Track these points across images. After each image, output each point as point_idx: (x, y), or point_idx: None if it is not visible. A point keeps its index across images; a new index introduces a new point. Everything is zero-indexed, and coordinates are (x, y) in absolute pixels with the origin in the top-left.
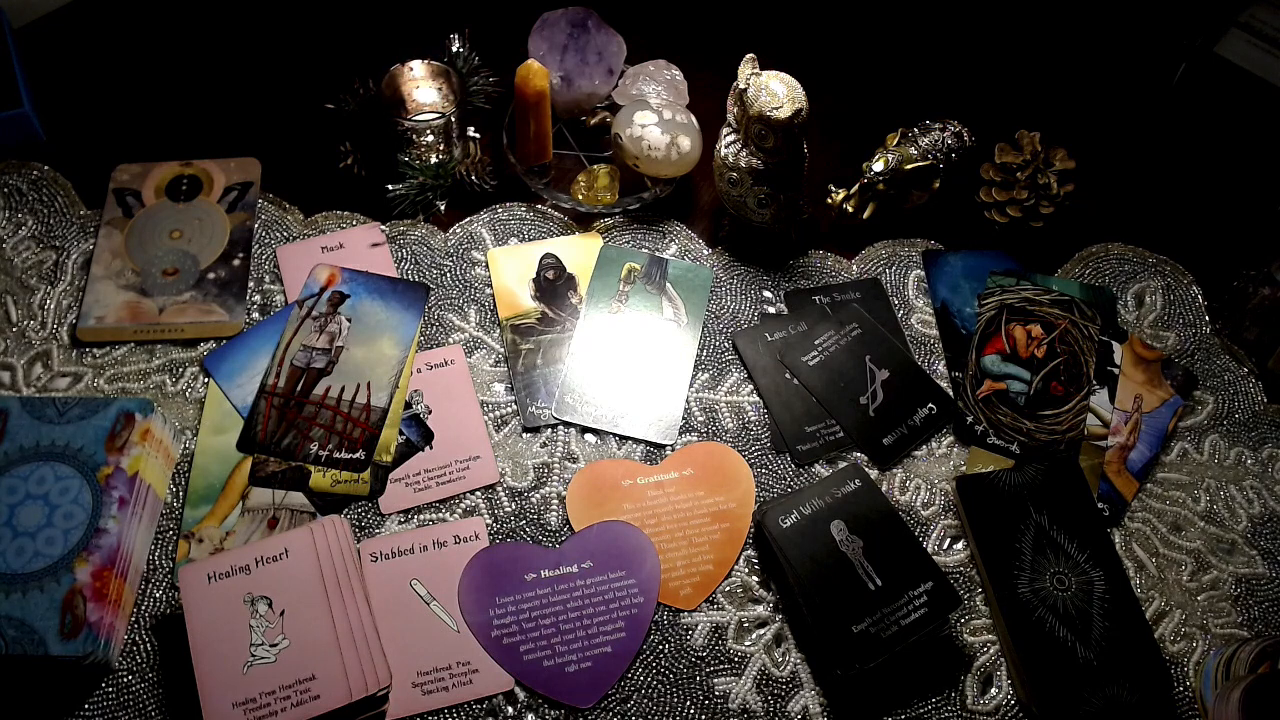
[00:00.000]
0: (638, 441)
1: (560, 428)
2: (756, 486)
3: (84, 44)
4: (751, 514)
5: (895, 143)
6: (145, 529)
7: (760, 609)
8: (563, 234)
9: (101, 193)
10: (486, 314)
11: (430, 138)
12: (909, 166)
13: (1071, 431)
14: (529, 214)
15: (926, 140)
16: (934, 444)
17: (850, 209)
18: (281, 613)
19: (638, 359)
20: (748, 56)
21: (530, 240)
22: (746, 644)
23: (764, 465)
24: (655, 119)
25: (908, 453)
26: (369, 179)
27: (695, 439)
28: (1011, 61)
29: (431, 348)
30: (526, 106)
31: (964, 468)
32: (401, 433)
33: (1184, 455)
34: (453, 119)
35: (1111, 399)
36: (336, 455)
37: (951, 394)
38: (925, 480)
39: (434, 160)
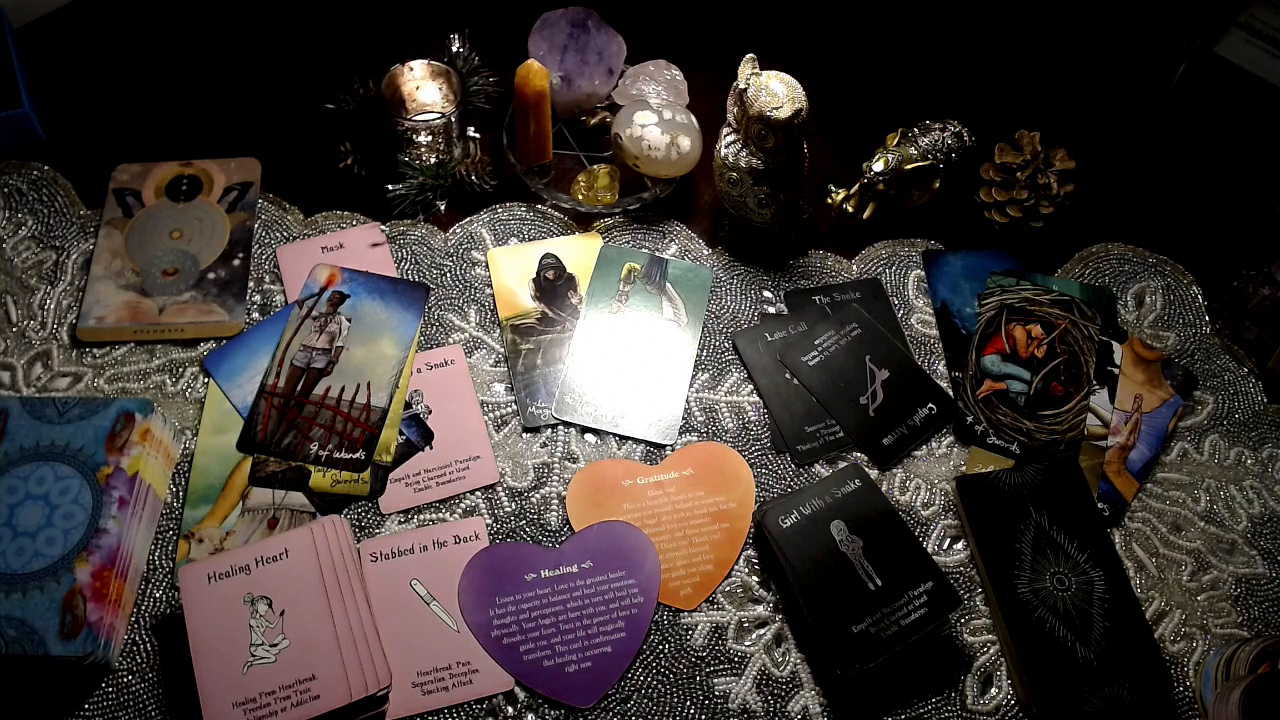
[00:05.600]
0: (638, 441)
1: (560, 428)
2: (756, 486)
3: (84, 44)
4: (751, 514)
5: (895, 143)
6: (145, 529)
7: (760, 609)
8: (563, 234)
9: (101, 193)
10: (486, 314)
11: (430, 138)
12: (909, 166)
13: (1071, 431)
14: (529, 214)
15: (926, 140)
16: (934, 444)
17: (850, 209)
18: (281, 613)
19: (638, 359)
20: (748, 56)
21: (530, 240)
22: (746, 644)
23: (764, 465)
24: (655, 119)
25: (908, 453)
26: (369, 179)
27: (695, 439)
28: (1011, 61)
29: (431, 348)
30: (526, 106)
31: (964, 468)
32: (401, 433)
33: (1184, 455)
34: (453, 119)
35: (1111, 399)
36: (336, 455)
37: (951, 394)
38: (925, 480)
39: (434, 160)
